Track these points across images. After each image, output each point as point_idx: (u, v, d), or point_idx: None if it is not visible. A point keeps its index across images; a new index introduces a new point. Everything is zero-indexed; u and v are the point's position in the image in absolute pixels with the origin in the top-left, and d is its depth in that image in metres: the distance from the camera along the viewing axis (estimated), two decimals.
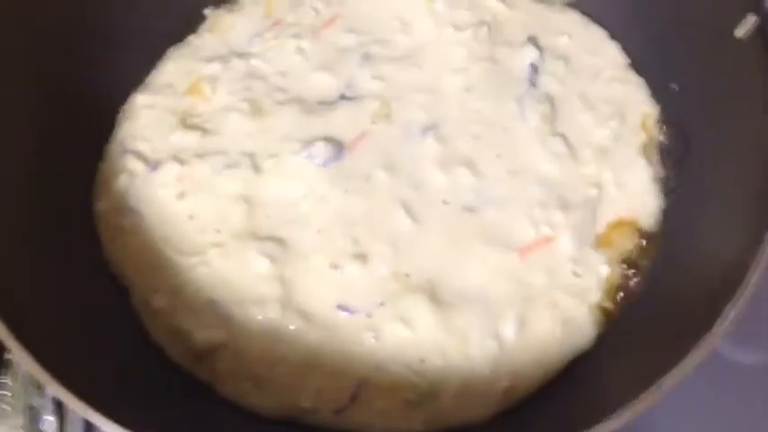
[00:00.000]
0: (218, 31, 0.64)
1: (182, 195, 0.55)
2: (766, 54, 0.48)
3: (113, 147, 0.58)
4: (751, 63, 0.49)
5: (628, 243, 0.56)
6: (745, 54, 0.50)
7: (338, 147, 0.57)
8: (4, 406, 0.58)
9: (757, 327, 0.54)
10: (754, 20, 0.50)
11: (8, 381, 0.58)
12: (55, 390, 0.41)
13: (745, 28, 0.50)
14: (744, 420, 0.54)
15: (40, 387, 0.57)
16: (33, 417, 0.57)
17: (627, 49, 0.62)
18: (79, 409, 0.40)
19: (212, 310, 0.52)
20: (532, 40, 0.62)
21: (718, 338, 0.42)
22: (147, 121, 0.59)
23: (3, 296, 0.43)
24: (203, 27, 0.64)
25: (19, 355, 0.41)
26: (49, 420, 0.57)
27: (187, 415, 0.49)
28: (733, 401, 0.54)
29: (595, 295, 0.53)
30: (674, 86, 0.58)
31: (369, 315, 0.52)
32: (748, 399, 0.55)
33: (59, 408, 0.57)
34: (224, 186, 0.56)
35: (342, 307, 0.52)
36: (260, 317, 0.52)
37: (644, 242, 0.56)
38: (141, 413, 0.42)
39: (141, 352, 0.52)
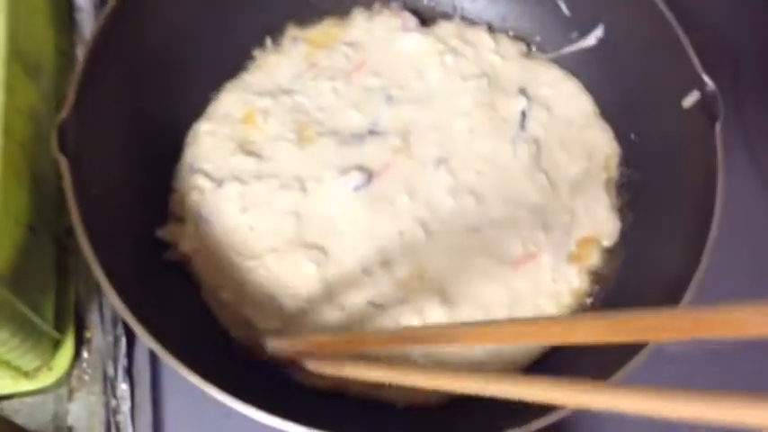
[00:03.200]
0: (266, 69, 0.75)
1: (244, 210, 0.67)
2: (707, 123, 0.61)
3: (182, 167, 0.70)
4: (694, 129, 0.63)
5: (593, 257, 0.70)
6: (690, 121, 0.64)
7: (368, 174, 0.69)
8: (85, 376, 0.70)
9: None
10: (697, 95, 0.63)
11: (87, 355, 0.71)
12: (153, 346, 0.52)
13: (690, 100, 0.64)
14: None
15: (114, 360, 0.70)
16: (109, 383, 0.69)
17: (598, 100, 0.75)
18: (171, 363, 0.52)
19: (270, 303, 0.64)
20: (523, 91, 0.75)
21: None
22: (209, 145, 0.70)
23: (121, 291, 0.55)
24: (253, 66, 0.76)
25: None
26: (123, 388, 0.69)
27: (251, 383, 0.62)
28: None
29: (567, 299, 0.68)
30: (634, 137, 0.72)
31: (392, 310, 0.65)
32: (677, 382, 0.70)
33: (130, 377, 0.69)
34: (277, 203, 0.67)
35: (371, 303, 0.65)
36: (308, 310, 0.64)
37: (606, 257, 0.70)
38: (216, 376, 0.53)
39: (212, 334, 0.65)
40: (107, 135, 0.63)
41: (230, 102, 0.73)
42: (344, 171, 0.69)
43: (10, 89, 0.61)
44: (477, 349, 0.65)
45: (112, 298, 0.53)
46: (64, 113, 0.56)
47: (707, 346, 0.71)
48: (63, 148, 0.55)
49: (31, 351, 0.63)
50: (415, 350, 0.65)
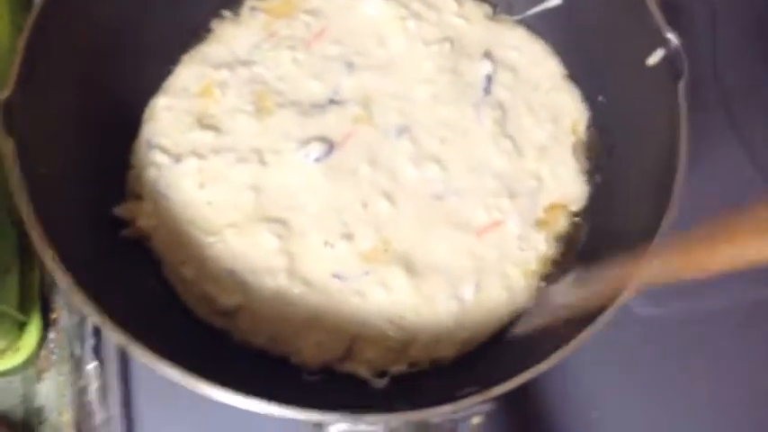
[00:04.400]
0: (224, 41, 0.73)
1: (202, 185, 0.66)
2: (672, 81, 0.60)
3: (140, 143, 0.68)
4: (660, 87, 0.61)
5: (561, 223, 0.69)
6: (655, 79, 0.62)
7: (329, 145, 0.68)
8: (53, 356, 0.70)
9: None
10: (662, 53, 0.62)
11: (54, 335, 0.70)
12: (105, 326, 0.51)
13: (655, 58, 0.63)
14: (644, 361, 0.70)
15: (81, 339, 0.69)
16: (77, 363, 0.68)
17: (565, 62, 0.74)
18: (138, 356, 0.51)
19: (232, 278, 0.63)
20: (488, 54, 0.74)
21: (629, 297, 0.53)
22: (167, 121, 0.68)
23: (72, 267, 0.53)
24: (211, 37, 0.74)
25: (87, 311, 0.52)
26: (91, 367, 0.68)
27: (212, 354, 0.61)
28: (634, 346, 0.70)
29: (534, 266, 0.67)
30: (602, 98, 0.71)
31: (357, 282, 0.64)
32: (646, 344, 0.70)
33: (98, 356, 0.68)
34: (236, 177, 0.66)
35: (335, 275, 0.64)
36: (271, 284, 0.63)
37: (574, 221, 0.69)
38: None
39: (174, 311, 0.64)
40: (57, 113, 0.61)
41: (188, 75, 0.71)
42: (305, 142, 0.68)
43: None
44: (447, 320, 0.64)
45: (61, 281, 0.52)
46: (7, 91, 0.54)
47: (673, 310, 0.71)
48: (9, 128, 0.54)
49: None
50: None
